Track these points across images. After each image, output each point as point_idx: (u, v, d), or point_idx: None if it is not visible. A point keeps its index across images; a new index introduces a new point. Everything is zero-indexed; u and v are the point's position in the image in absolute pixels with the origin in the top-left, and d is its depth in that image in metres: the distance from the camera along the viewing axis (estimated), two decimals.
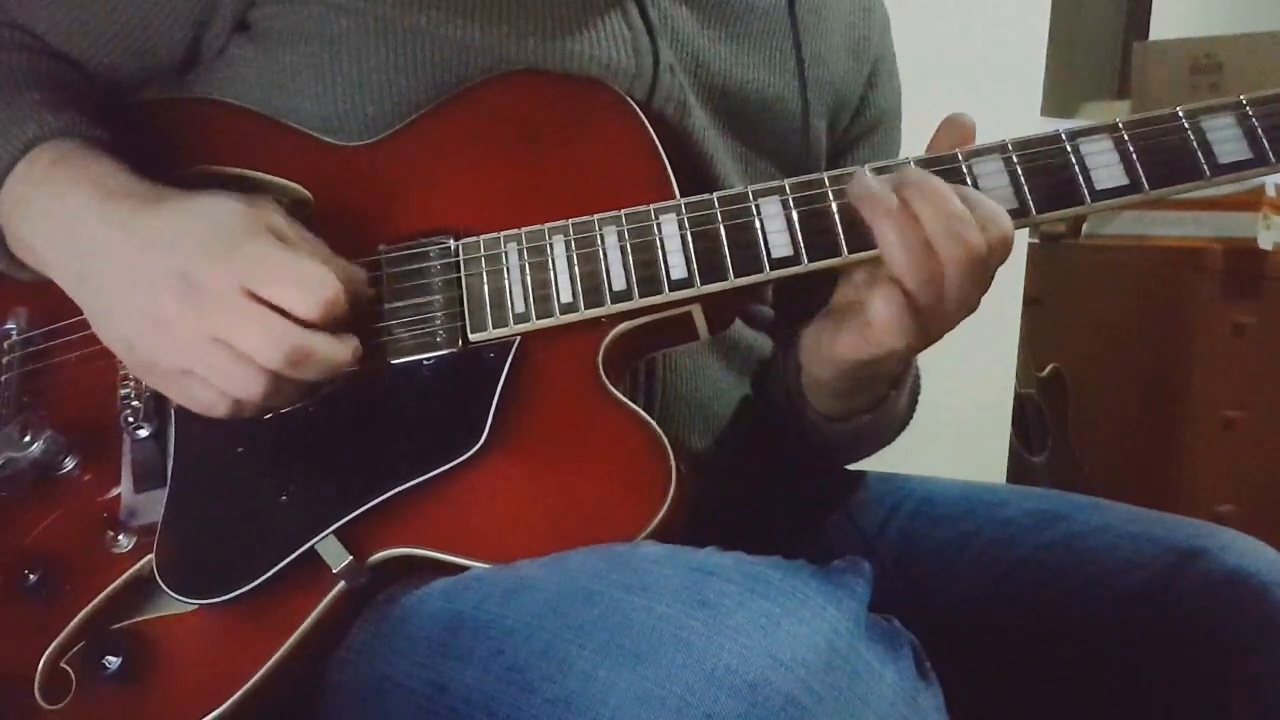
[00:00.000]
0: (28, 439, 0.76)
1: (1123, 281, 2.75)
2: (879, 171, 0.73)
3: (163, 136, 0.81)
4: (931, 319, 0.71)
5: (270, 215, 0.73)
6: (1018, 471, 2.60)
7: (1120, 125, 0.73)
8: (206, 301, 0.68)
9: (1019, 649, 0.85)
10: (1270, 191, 2.55)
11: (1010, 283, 2.29)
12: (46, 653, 0.73)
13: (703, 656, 0.55)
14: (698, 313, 0.76)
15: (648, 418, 0.71)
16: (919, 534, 0.92)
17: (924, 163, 0.74)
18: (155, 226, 0.71)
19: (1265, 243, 2.59)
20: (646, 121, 0.77)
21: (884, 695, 0.57)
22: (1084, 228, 2.86)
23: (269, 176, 0.80)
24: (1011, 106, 2.14)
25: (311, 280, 0.69)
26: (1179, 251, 2.64)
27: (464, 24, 0.79)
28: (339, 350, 0.71)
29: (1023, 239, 2.37)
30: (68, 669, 0.73)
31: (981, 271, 0.70)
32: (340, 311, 0.70)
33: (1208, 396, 2.64)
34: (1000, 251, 0.70)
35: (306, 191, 0.79)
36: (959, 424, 2.16)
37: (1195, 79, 2.61)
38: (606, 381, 0.73)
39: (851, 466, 1.02)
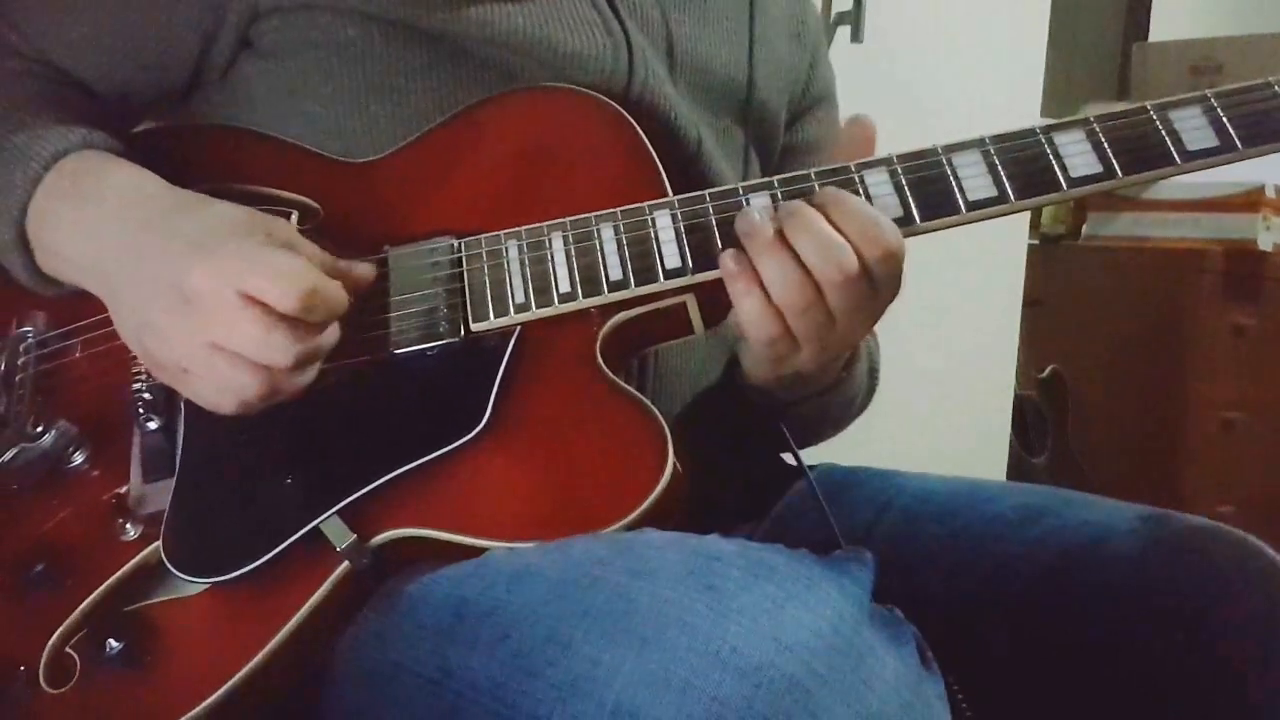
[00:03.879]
0: (39, 430, 0.77)
1: (1123, 283, 2.76)
2: (864, 167, 0.75)
3: (171, 163, 0.81)
4: (824, 335, 0.74)
5: (271, 222, 0.74)
6: (1018, 472, 2.61)
7: (1092, 119, 0.76)
8: (196, 309, 0.69)
9: (1010, 645, 0.85)
10: (1270, 193, 2.56)
11: (1010, 284, 2.30)
12: (52, 638, 0.73)
13: (707, 639, 0.55)
14: (692, 304, 0.78)
15: (645, 400, 0.73)
16: (909, 531, 0.93)
17: (907, 156, 0.76)
18: (162, 232, 0.73)
19: (1265, 244, 2.60)
20: (637, 126, 0.80)
21: (887, 679, 0.58)
22: (1084, 229, 2.86)
23: (277, 191, 0.81)
24: (1011, 107, 2.14)
25: (287, 272, 0.69)
26: (1179, 253, 2.65)
27: (452, 15, 0.81)
28: (333, 337, 0.72)
29: (1022, 240, 2.38)
30: (73, 654, 0.73)
31: (863, 286, 0.72)
32: (327, 304, 0.71)
33: (1207, 398, 2.65)
34: (884, 264, 0.72)
35: (315, 204, 0.81)
36: (959, 424, 2.16)
37: (1195, 80, 2.62)
38: (605, 368, 0.74)
39: (845, 463, 1.02)
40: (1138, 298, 2.74)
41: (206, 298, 0.69)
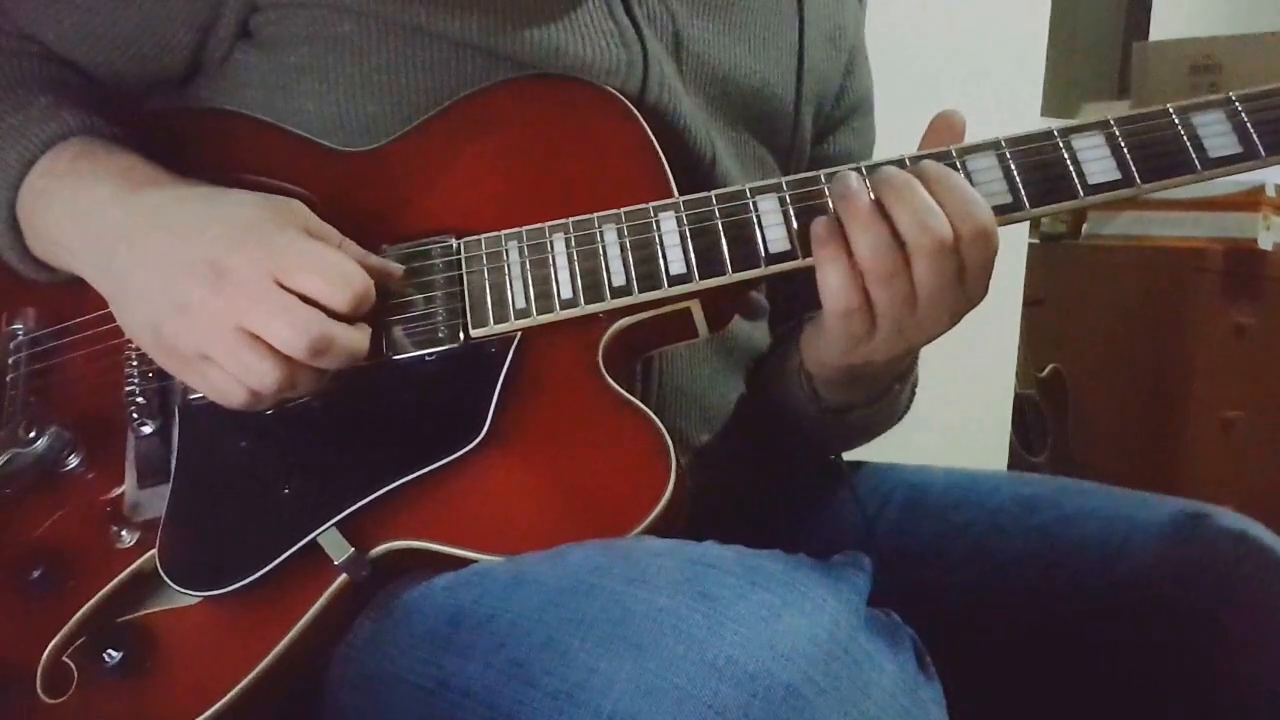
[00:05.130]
0: (32, 435, 0.77)
1: (1123, 282, 2.75)
2: (873, 169, 0.74)
3: (167, 145, 0.81)
4: (903, 317, 0.72)
5: (299, 211, 0.74)
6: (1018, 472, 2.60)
7: (1112, 122, 0.74)
8: (234, 289, 0.68)
9: (1011, 638, 0.85)
10: (1270, 192, 2.55)
11: (1010, 283, 2.29)
12: (49, 647, 0.73)
13: (704, 647, 0.55)
14: (696, 309, 0.77)
15: (648, 411, 0.72)
16: (912, 528, 0.92)
17: (919, 159, 0.74)
18: (183, 215, 0.72)
19: (1265, 243, 2.59)
20: (644, 123, 0.78)
21: (885, 686, 0.58)
22: (1084, 228, 2.86)
23: (270, 181, 0.80)
24: (1011, 106, 2.14)
25: (342, 273, 0.70)
26: (1179, 252, 2.64)
27: (460, 22, 0.80)
28: (360, 340, 0.71)
29: (1023, 240, 2.38)
30: (70, 663, 0.73)
31: (952, 264, 0.70)
32: (369, 305, 0.71)
33: (1208, 397, 2.64)
34: (976, 243, 0.70)
35: (308, 194, 0.79)
36: (959, 424, 2.16)
37: (1195, 79, 2.61)
38: (607, 376, 0.73)
39: (847, 457, 1.02)
40: (1138, 297, 2.73)
41: (246, 282, 0.68)
